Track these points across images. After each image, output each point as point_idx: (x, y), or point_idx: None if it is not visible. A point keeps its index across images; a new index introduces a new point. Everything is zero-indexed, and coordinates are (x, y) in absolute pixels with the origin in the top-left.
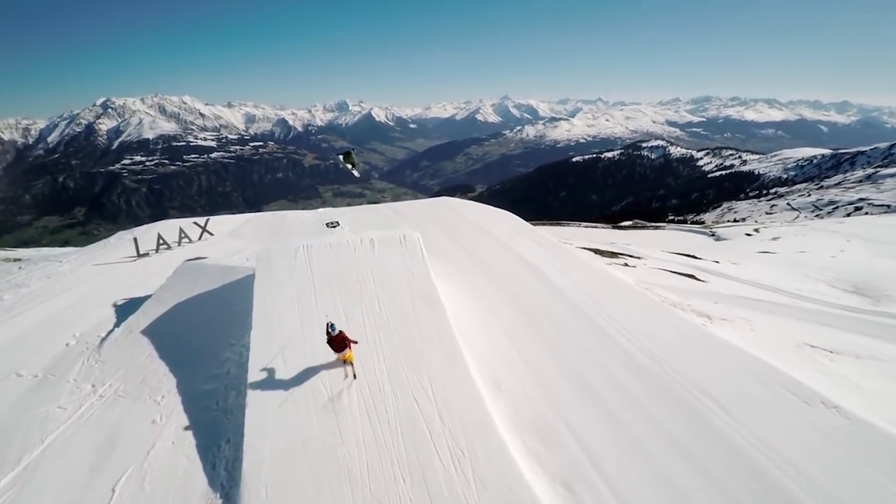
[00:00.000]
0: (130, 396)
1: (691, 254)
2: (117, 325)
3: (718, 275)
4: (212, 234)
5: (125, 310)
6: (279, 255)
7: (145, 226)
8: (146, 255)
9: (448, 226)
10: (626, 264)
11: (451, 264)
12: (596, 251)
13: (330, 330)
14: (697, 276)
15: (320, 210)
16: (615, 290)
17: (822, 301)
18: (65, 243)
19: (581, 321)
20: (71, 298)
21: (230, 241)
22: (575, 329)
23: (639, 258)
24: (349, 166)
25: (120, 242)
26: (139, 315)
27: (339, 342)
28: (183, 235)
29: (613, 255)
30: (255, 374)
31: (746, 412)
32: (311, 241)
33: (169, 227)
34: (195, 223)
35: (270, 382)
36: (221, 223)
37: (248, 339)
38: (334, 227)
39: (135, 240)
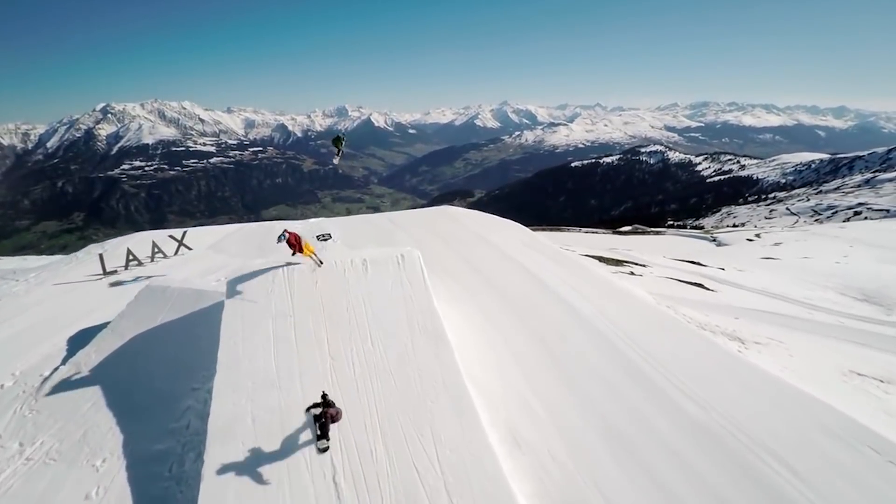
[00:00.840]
0: (65, 459)
1: (695, 260)
2: (65, 361)
3: (726, 283)
4: (190, 249)
5: (77, 342)
6: (254, 280)
7: (118, 238)
8: (114, 272)
9: (450, 238)
10: (631, 272)
11: (455, 283)
12: (600, 259)
13: (280, 239)
14: (705, 286)
15: (312, 220)
16: (638, 312)
17: (839, 312)
18: (63, 248)
19: (607, 354)
20: (19, 326)
21: (211, 255)
22: (601, 364)
23: (644, 266)
24: (335, 150)
25: (89, 257)
26: (90, 350)
27: (293, 244)
28: (156, 250)
29: (618, 262)
30: (215, 434)
31: (827, 480)
32: (294, 261)
33: (143, 241)
34: (171, 236)
35: (234, 446)
36: (202, 235)
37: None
38: (326, 239)
39: (100, 256)
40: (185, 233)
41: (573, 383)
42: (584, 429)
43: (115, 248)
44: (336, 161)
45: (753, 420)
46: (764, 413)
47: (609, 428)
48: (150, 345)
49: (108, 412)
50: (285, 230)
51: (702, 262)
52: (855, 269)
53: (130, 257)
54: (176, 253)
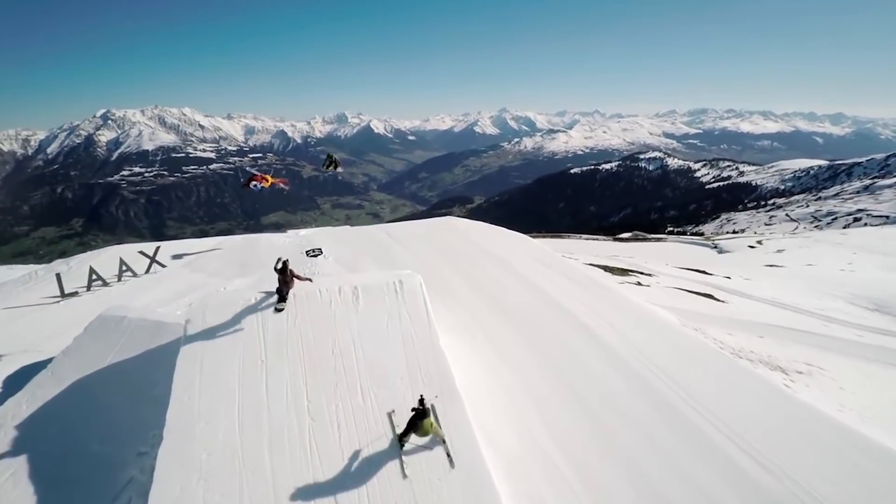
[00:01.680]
0: None
1: (700, 269)
2: None
3: (735, 293)
4: (163, 266)
5: (13, 384)
6: (221, 313)
7: (86, 253)
8: (74, 294)
9: (455, 254)
10: (638, 283)
11: (462, 308)
12: (605, 268)
13: (277, 268)
14: (715, 296)
15: (301, 232)
16: (669, 340)
17: (855, 324)
18: (62, 254)
19: (643, 396)
20: None
21: (186, 274)
22: (637, 409)
23: (650, 275)
24: (332, 168)
25: (50, 276)
26: (22, 398)
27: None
28: (124, 269)
29: (624, 272)
30: None
31: None
32: (269, 289)
33: (113, 257)
34: (141, 252)
35: None
36: (179, 249)
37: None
38: (315, 255)
39: (57, 276)
40: (157, 248)
41: (607, 436)
42: (625, 499)
43: (80, 266)
44: (333, 171)
45: (839, 490)
46: (846, 480)
47: (658, 497)
48: (94, 392)
49: (30, 486)
50: (252, 177)
51: (707, 271)
52: (861, 277)
53: (94, 277)
54: (147, 271)
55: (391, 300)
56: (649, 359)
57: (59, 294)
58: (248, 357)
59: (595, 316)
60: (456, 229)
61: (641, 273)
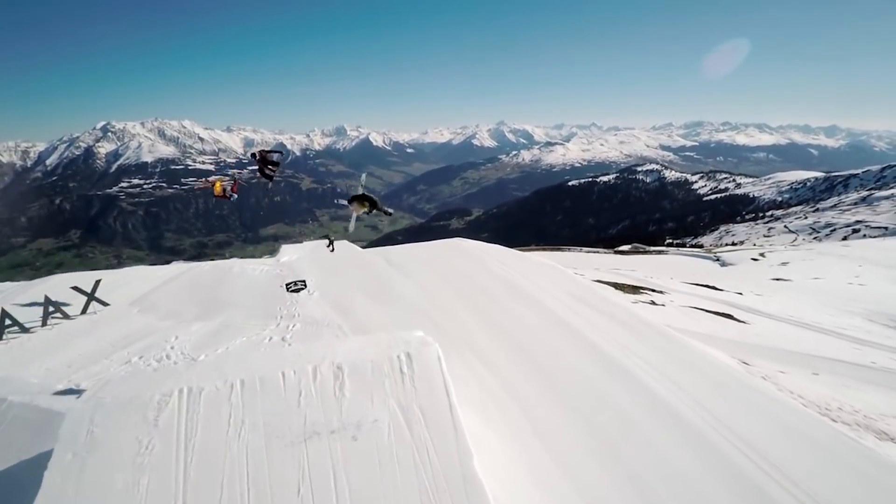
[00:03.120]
0: None
1: (708, 283)
2: None
3: (753, 312)
4: (105, 305)
5: None
6: (122, 413)
7: (17, 283)
8: None
9: (469, 287)
10: (652, 302)
11: (487, 370)
12: (616, 285)
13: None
14: (735, 316)
15: (283, 258)
16: (763, 410)
17: (888, 346)
18: (59, 266)
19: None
20: None
21: (132, 315)
22: None
23: (661, 293)
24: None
25: None
26: None
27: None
28: (51, 310)
29: (635, 289)
30: None
31: None
32: (206, 379)
33: (51, 290)
34: (76, 288)
35: None
36: (128, 282)
37: None
38: (297, 290)
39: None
40: (97, 282)
41: None
42: None
43: (16, 295)
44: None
45: None
46: None
47: None
48: None
49: None
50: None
51: (716, 286)
52: (873, 291)
53: (8, 322)
54: (84, 311)
55: (395, 387)
56: (747, 443)
57: None
58: (153, 493)
59: (666, 381)
60: (467, 254)
61: (653, 290)
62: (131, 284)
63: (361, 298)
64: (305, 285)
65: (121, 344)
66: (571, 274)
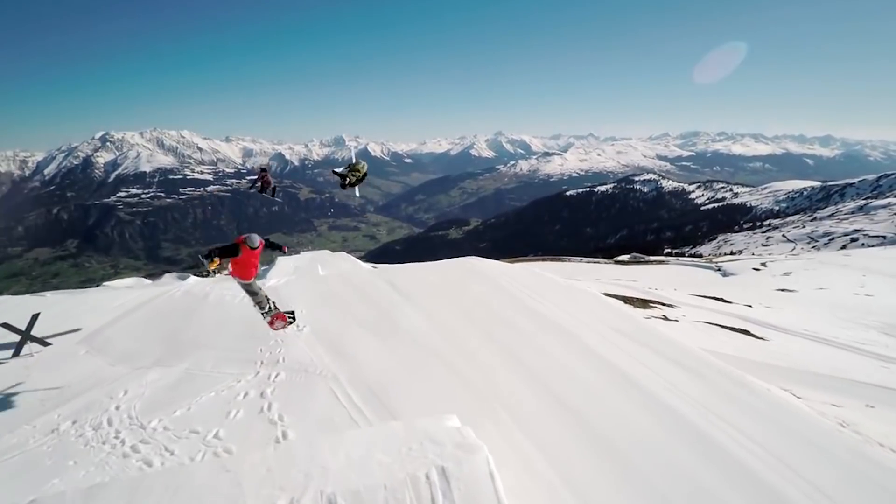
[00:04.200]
0: None
1: (713, 294)
2: None
3: (770, 327)
4: (46, 345)
5: None
6: None
7: None
8: None
9: (488, 317)
10: (665, 317)
11: (524, 433)
12: (625, 299)
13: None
14: (752, 332)
15: (270, 281)
16: (849, 466)
17: None
18: (55, 276)
19: None
20: None
21: (78, 358)
22: None
23: (671, 306)
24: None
25: None
26: None
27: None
28: None
29: (645, 303)
30: None
31: None
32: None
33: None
34: (6, 325)
35: None
36: (92, 307)
37: None
38: (287, 323)
39: None
40: (35, 316)
41: None
42: None
43: None
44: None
45: None
46: None
47: None
48: None
49: None
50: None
51: (725, 298)
52: (882, 302)
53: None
54: (16, 353)
55: None
56: None
57: None
58: None
59: (755, 447)
60: (483, 276)
61: (662, 304)
62: (94, 311)
63: (362, 336)
64: (293, 318)
65: (53, 402)
66: (615, 304)
